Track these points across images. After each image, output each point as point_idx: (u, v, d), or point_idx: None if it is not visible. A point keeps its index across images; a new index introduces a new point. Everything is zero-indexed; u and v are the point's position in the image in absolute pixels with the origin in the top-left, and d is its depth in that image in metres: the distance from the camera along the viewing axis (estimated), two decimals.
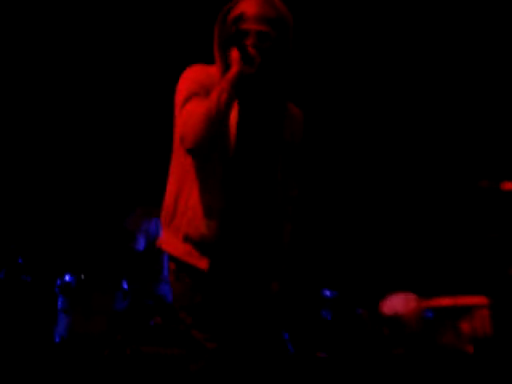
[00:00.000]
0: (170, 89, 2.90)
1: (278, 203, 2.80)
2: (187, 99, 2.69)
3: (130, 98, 6.17)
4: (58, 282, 5.07)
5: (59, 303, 5.07)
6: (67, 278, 5.08)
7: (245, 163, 2.74)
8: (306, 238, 5.09)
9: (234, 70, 2.61)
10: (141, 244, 5.25)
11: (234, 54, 2.63)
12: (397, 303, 5.02)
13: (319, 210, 5.82)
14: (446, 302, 4.89)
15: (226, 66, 2.69)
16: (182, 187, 2.75)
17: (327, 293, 5.13)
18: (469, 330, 4.82)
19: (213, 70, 2.77)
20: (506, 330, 4.65)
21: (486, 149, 5.79)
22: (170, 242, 2.76)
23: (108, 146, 6.10)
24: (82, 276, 4.95)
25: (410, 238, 5.98)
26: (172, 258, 2.77)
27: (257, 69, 2.65)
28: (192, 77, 2.76)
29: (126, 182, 5.97)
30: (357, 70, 6.17)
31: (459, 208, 5.37)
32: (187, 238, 2.72)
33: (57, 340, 5.03)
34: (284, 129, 2.82)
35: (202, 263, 2.71)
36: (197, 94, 2.69)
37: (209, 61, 2.83)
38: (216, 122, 2.59)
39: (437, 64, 6.21)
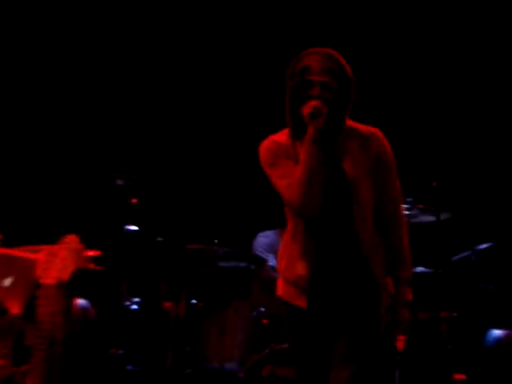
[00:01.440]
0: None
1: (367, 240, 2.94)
2: (276, 166, 2.95)
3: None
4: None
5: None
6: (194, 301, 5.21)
7: (325, 208, 2.90)
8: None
9: (311, 129, 2.82)
10: (274, 262, 5.32)
11: (304, 110, 2.85)
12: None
13: None
14: None
15: (293, 128, 2.94)
16: (285, 238, 3.03)
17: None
18: None
19: (281, 138, 3.00)
20: None
21: None
22: (279, 286, 3.05)
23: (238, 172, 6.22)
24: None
25: None
26: (279, 299, 3.06)
27: (325, 120, 2.83)
28: (269, 154, 2.99)
29: (251, 207, 6.08)
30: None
31: None
32: (288, 281, 2.99)
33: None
34: (356, 153, 2.95)
35: (301, 302, 2.95)
36: (282, 165, 2.93)
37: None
38: (313, 180, 2.81)
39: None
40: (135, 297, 5.46)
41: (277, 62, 5.92)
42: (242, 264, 5.33)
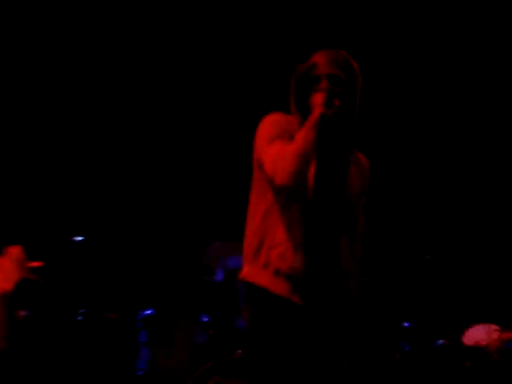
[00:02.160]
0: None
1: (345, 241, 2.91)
2: (270, 141, 2.83)
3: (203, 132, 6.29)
4: (140, 316, 5.17)
5: (141, 337, 5.16)
6: (148, 312, 5.17)
7: (322, 203, 2.86)
8: (383, 270, 5.04)
9: (317, 111, 2.76)
10: (219, 277, 5.31)
11: (317, 98, 2.78)
12: (479, 334, 4.91)
13: (399, 244, 5.79)
14: None
15: (303, 115, 2.84)
16: (267, 224, 2.86)
17: (405, 324, 5.06)
18: None
19: (291, 118, 2.92)
20: None
21: None
22: (259, 276, 2.83)
23: (186, 183, 6.20)
24: (162, 310, 5.03)
25: (490, 269, 5.87)
26: (258, 291, 2.84)
27: (334, 113, 2.78)
28: (273, 121, 2.90)
29: (202, 217, 6.05)
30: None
31: None
32: (278, 272, 2.81)
33: (139, 373, 5.12)
34: (354, 176, 2.94)
35: (295, 297, 2.80)
36: (279, 137, 2.82)
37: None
38: (304, 159, 2.73)
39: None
40: (80, 307, 5.40)
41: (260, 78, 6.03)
42: (192, 274, 5.30)
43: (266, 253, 2.84)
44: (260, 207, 2.89)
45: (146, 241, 5.92)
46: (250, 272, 2.86)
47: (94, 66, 6.28)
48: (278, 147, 2.80)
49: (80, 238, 5.38)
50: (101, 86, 6.30)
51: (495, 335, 4.89)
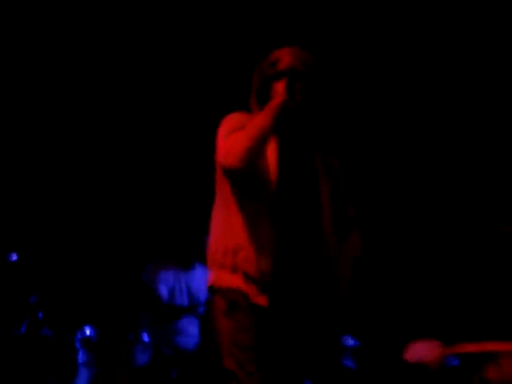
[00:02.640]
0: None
1: (327, 236, 2.86)
2: (227, 135, 2.80)
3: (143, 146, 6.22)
4: (79, 335, 5.06)
5: (79, 357, 5.05)
6: (87, 331, 5.06)
7: (288, 199, 2.81)
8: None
9: (279, 99, 2.75)
10: (164, 293, 5.24)
11: (279, 87, 2.81)
12: (421, 350, 4.92)
13: None
14: (471, 348, 4.78)
15: (262, 106, 2.82)
16: (231, 228, 2.81)
17: (350, 341, 5.06)
18: (496, 377, 4.71)
19: (251, 116, 2.88)
20: None
21: (506, 191, 5.74)
22: (230, 280, 2.78)
23: (125, 200, 6.12)
24: (101, 329, 4.94)
25: (432, 285, 5.91)
26: (225, 296, 2.77)
27: (296, 105, 2.79)
28: (232, 119, 2.89)
29: (141, 235, 5.99)
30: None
31: (481, 253, 5.29)
32: (247, 276, 2.76)
33: None
34: (323, 175, 2.90)
35: (261, 299, 2.74)
36: (237, 129, 2.79)
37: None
38: (256, 142, 2.68)
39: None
40: (16, 326, 5.26)
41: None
42: (130, 292, 5.21)
43: (232, 256, 2.78)
44: (223, 211, 2.84)
45: (85, 259, 5.82)
46: (220, 277, 2.81)
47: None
48: (232, 136, 2.77)
49: (14, 257, 5.26)
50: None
51: (437, 351, 4.91)
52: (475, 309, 5.20)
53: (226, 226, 2.83)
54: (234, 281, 2.78)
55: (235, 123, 2.84)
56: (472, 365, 4.79)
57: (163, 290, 5.21)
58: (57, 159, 6.16)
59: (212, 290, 2.83)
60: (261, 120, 2.71)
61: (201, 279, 5.29)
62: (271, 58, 2.93)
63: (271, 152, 2.85)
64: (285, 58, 2.89)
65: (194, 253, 5.25)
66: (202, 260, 5.30)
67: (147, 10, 6.15)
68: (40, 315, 5.15)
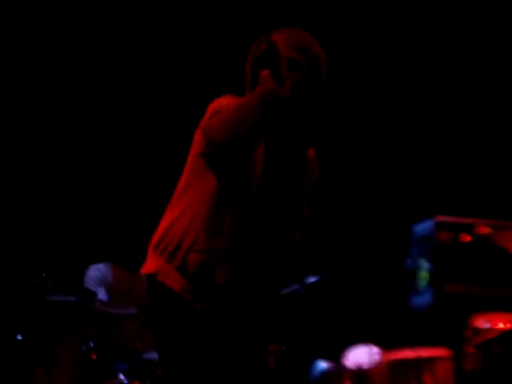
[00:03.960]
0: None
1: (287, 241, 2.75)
2: (215, 113, 2.63)
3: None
4: None
5: None
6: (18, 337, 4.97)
7: (266, 200, 2.68)
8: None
9: (267, 84, 2.55)
10: (104, 295, 5.20)
11: (265, 72, 2.59)
12: (360, 356, 5.03)
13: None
14: (408, 354, 4.92)
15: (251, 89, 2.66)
16: (190, 222, 2.64)
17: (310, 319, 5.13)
18: (432, 382, 4.85)
19: (240, 97, 2.70)
20: (468, 382, 4.70)
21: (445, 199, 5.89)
22: (171, 278, 2.63)
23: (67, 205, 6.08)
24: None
25: (370, 289, 6.04)
26: (167, 293, 2.63)
27: (287, 95, 2.58)
28: (220, 101, 2.70)
29: (83, 239, 5.95)
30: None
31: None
32: (193, 280, 2.62)
33: None
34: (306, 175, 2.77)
35: (197, 305, 2.63)
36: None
37: None
38: (247, 120, 2.50)
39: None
40: None
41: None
42: (72, 298, 5.14)
43: (184, 255, 2.63)
44: (186, 200, 2.68)
45: (28, 259, 5.75)
46: (162, 271, 2.65)
47: None
48: (220, 114, 2.59)
49: None
50: None
51: (376, 357, 5.02)
52: (410, 314, 5.32)
53: (185, 218, 2.65)
54: (177, 282, 2.63)
55: (223, 105, 2.64)
56: (409, 370, 4.92)
57: (103, 293, 5.18)
58: None
59: (152, 279, 2.67)
60: (249, 100, 2.54)
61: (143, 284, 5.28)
62: (266, 41, 2.69)
63: (259, 151, 2.67)
64: (281, 44, 2.65)
65: (137, 258, 5.21)
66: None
67: (141, 9, 6.10)
68: None
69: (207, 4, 6.14)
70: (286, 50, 2.64)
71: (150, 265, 2.70)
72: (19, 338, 4.99)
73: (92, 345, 4.91)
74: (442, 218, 4.93)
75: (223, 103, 2.66)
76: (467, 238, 4.85)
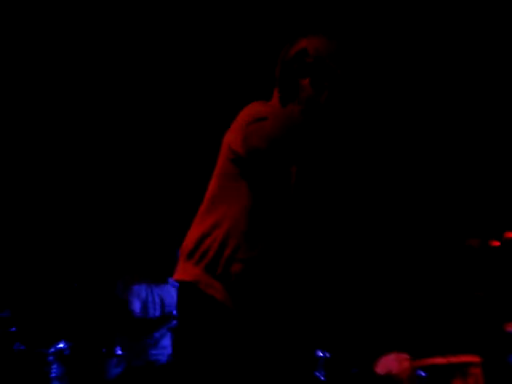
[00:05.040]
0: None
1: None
2: (252, 121, 2.62)
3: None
4: (52, 349, 5.05)
5: (53, 371, 5.05)
6: (61, 345, 5.06)
7: (302, 207, 2.71)
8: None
9: (306, 95, 2.62)
10: (137, 307, 5.26)
11: (305, 81, 2.64)
12: (390, 363, 5.03)
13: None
14: (439, 361, 4.90)
15: (286, 99, 2.70)
16: (231, 231, 2.64)
17: (320, 353, 5.14)
18: None
19: (272, 104, 2.73)
20: None
21: (474, 206, 5.85)
22: (213, 287, 2.63)
23: (99, 217, 6.13)
24: (74, 343, 4.94)
25: (401, 298, 6.01)
26: (210, 301, 2.63)
27: (326, 103, 2.64)
28: (254, 109, 2.70)
29: (114, 250, 5.99)
30: None
31: (448, 266, 5.40)
32: (235, 288, 2.62)
33: None
34: None
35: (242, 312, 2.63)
36: (262, 119, 2.61)
37: None
38: (290, 132, 2.52)
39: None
40: None
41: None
42: (104, 308, 5.22)
43: (225, 264, 2.62)
44: (222, 209, 2.65)
45: (57, 272, 5.81)
46: (203, 280, 2.64)
47: None
48: (263, 122, 2.57)
49: None
50: None
51: (406, 364, 5.02)
52: (443, 322, 5.30)
53: (225, 227, 2.64)
54: (219, 291, 2.61)
55: (258, 113, 2.63)
56: (439, 377, 4.91)
57: (136, 304, 5.23)
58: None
59: (190, 287, 2.66)
60: (293, 110, 2.59)
61: (174, 292, 5.33)
62: (297, 46, 2.72)
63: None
64: (315, 50, 2.69)
65: (166, 268, 5.28)
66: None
67: (144, 9, 6.13)
68: (13, 330, 5.15)
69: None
70: (324, 58, 2.67)
71: (186, 273, 2.69)
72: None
73: (121, 352, 4.97)
74: None
75: (265, 111, 2.64)
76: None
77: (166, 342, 5.22)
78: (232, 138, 2.68)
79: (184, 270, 2.71)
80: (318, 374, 5.11)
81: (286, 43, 2.79)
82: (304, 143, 2.61)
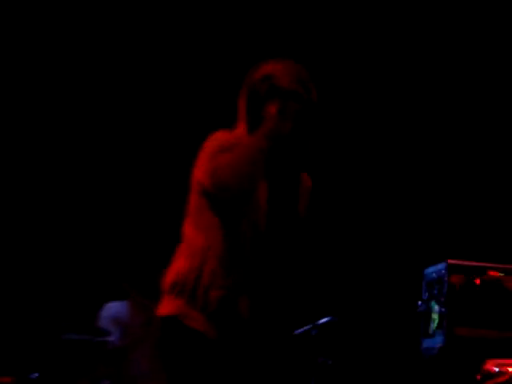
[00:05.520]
0: None
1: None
2: (218, 152, 2.61)
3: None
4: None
5: None
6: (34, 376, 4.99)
7: (276, 237, 2.69)
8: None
9: (272, 124, 2.61)
10: (117, 336, 5.22)
11: (272, 109, 2.63)
12: None
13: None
14: None
15: (253, 126, 2.68)
16: (204, 261, 2.64)
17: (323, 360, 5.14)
18: None
19: (238, 134, 2.72)
20: None
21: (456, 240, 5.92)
22: (195, 319, 2.63)
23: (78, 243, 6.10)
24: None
25: (382, 330, 6.05)
26: (193, 334, 2.62)
27: (291, 131, 2.63)
28: (220, 138, 2.69)
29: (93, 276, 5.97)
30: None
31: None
32: (217, 317, 2.62)
33: None
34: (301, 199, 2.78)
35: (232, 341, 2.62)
36: (225, 151, 2.61)
37: None
38: (257, 165, 2.54)
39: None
40: None
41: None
42: (87, 337, 5.16)
43: (204, 294, 2.62)
44: (197, 240, 2.66)
45: (35, 301, 5.77)
46: (184, 313, 2.64)
47: None
48: (226, 156, 2.58)
49: None
50: None
51: None
52: (421, 357, 5.30)
53: (198, 258, 2.65)
54: (201, 322, 2.62)
55: (224, 143, 2.64)
56: None
57: (118, 332, 5.19)
58: None
59: (172, 321, 2.66)
60: (254, 143, 2.58)
61: None
62: (263, 71, 2.73)
63: (262, 186, 2.70)
64: (280, 75, 2.69)
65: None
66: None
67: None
68: None
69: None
70: (288, 83, 2.68)
71: (168, 307, 2.70)
72: (34, 375, 5.03)
73: None
74: (453, 262, 4.96)
75: (227, 141, 2.65)
76: (478, 282, 4.86)
77: None
78: (199, 171, 2.69)
79: (165, 305, 2.72)
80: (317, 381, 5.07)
81: (251, 68, 2.80)
82: (273, 169, 2.66)
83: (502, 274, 4.86)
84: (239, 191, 2.57)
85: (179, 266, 2.71)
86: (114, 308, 5.30)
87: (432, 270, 5.04)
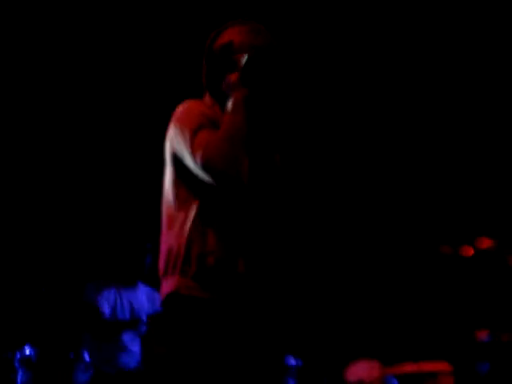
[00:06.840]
0: None
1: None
2: (195, 132, 2.52)
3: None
4: (18, 355, 4.98)
5: (19, 377, 4.98)
6: (27, 351, 4.99)
7: (259, 200, 2.64)
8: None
9: (239, 92, 2.53)
10: (106, 311, 5.18)
11: (232, 78, 2.55)
12: (361, 371, 5.01)
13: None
14: (409, 368, 4.90)
15: (218, 98, 2.63)
16: (192, 230, 2.58)
17: (292, 361, 5.11)
18: None
19: (208, 103, 2.67)
20: None
21: (447, 214, 5.86)
22: (194, 288, 2.57)
23: (68, 220, 6.07)
24: (41, 349, 4.88)
25: (372, 305, 6.01)
26: (198, 302, 2.56)
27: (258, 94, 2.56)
28: (192, 110, 2.61)
29: (83, 255, 5.93)
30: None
31: (420, 274, 5.40)
32: (215, 280, 2.56)
33: None
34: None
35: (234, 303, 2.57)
36: (204, 126, 2.54)
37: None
38: (238, 143, 2.48)
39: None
40: None
41: None
42: (71, 311, 5.14)
43: (198, 262, 2.56)
44: (181, 219, 2.61)
45: (23, 276, 5.74)
46: (183, 284, 2.58)
47: None
48: (206, 136, 2.50)
49: None
50: None
51: (377, 371, 5.01)
52: (413, 329, 5.31)
53: (185, 229, 2.58)
54: (199, 290, 2.56)
55: (198, 117, 2.56)
56: None
57: (105, 307, 5.15)
58: None
59: (174, 296, 2.59)
60: (233, 120, 2.50)
61: (143, 297, 5.27)
62: (222, 38, 2.65)
63: None
64: (239, 41, 2.62)
65: (136, 272, 5.22)
66: (144, 279, 5.29)
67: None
68: None
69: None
70: (245, 48, 2.60)
71: (166, 287, 2.64)
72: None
73: (88, 358, 4.90)
74: None
75: (200, 116, 2.57)
76: None
77: (136, 347, 5.15)
78: (178, 145, 2.59)
79: (164, 286, 2.66)
80: (289, 381, 5.08)
81: (211, 32, 2.71)
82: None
83: None
84: (236, 175, 2.49)
85: (166, 247, 2.65)
86: (98, 285, 5.26)
87: None
